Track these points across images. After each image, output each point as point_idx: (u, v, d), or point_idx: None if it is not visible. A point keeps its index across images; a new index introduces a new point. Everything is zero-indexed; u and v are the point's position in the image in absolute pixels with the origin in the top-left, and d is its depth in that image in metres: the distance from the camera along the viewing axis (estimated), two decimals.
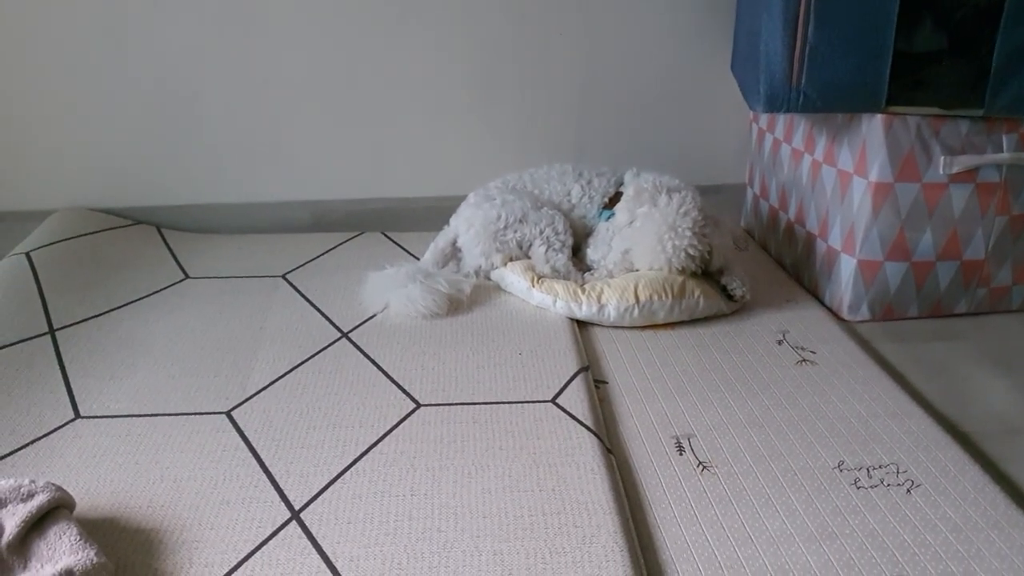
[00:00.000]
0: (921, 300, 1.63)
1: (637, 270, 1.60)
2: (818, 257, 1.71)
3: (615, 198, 1.71)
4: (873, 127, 1.52)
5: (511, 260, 1.69)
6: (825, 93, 1.51)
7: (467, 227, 1.71)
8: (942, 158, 1.52)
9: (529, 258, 1.68)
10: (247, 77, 1.93)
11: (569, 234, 1.68)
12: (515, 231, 1.67)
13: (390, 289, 1.60)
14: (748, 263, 1.86)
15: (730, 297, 1.63)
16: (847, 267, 1.61)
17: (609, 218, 1.70)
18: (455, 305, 1.62)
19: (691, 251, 1.56)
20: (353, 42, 1.92)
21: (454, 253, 1.75)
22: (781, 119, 1.87)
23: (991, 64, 1.46)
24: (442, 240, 1.75)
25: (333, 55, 1.93)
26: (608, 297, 1.55)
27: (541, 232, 1.66)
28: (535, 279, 1.62)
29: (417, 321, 1.56)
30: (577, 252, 1.73)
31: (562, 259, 1.65)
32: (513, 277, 1.65)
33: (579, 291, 1.57)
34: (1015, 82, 1.47)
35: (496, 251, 1.69)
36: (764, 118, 1.96)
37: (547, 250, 1.65)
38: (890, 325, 1.61)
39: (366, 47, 1.93)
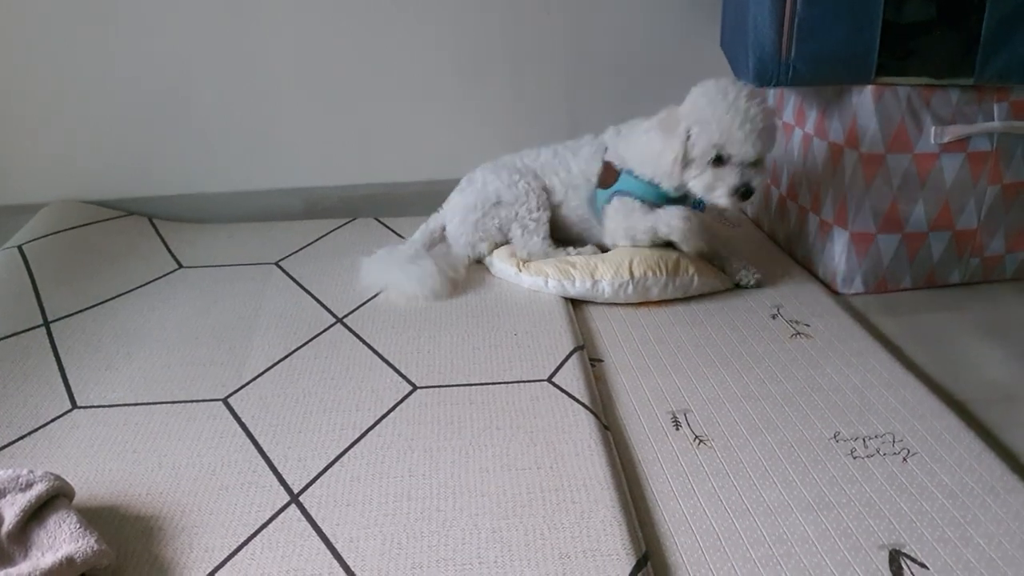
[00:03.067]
0: (914, 271, 1.63)
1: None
2: (811, 231, 1.72)
3: (608, 173, 1.63)
4: (863, 99, 1.52)
5: (496, 246, 1.70)
6: (815, 66, 1.51)
7: (451, 216, 1.72)
8: (933, 128, 1.52)
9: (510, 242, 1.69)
10: (236, 65, 1.92)
11: (544, 209, 1.66)
12: (492, 217, 1.67)
13: (388, 271, 1.60)
14: (741, 239, 1.86)
15: (737, 284, 1.64)
16: (840, 240, 1.62)
17: (612, 198, 1.61)
18: (453, 286, 1.62)
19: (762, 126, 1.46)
20: (341, 27, 1.91)
21: (443, 236, 1.75)
22: (771, 93, 1.87)
23: (980, 33, 1.46)
24: (433, 223, 1.76)
25: (321, 41, 1.92)
26: (602, 273, 1.55)
27: (516, 214, 1.65)
28: (520, 263, 1.62)
29: (412, 304, 1.56)
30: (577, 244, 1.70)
31: (536, 241, 1.64)
32: (500, 264, 1.65)
33: (571, 268, 1.57)
34: (1005, 50, 1.47)
35: (480, 240, 1.69)
36: None
37: (522, 233, 1.65)
38: (884, 297, 1.62)
39: (354, 32, 1.92)
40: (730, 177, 1.46)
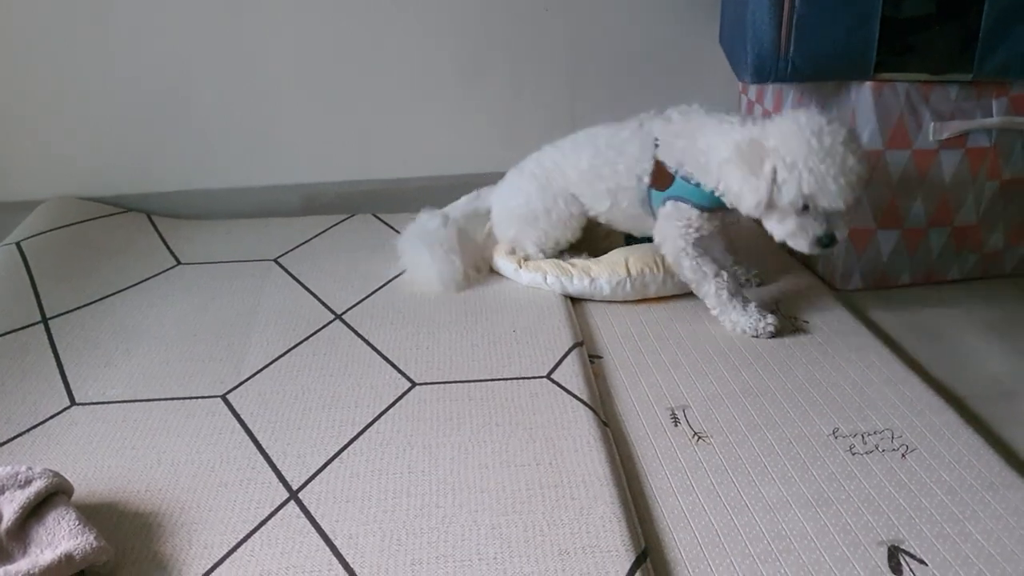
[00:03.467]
0: (913, 267, 1.63)
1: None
2: None
3: (661, 174, 1.47)
4: (862, 95, 1.52)
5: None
6: (813, 62, 1.50)
7: (496, 211, 1.69)
8: (932, 124, 1.52)
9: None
10: (235, 62, 1.92)
11: (570, 239, 1.62)
12: (531, 229, 1.61)
13: (419, 253, 1.60)
14: (740, 236, 1.86)
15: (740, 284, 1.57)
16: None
17: (667, 201, 1.47)
18: (468, 283, 1.62)
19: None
20: (340, 23, 1.91)
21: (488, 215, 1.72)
22: (770, 90, 1.87)
23: (979, 28, 1.46)
24: (482, 202, 1.73)
25: (320, 37, 1.92)
26: (599, 271, 1.55)
27: (545, 235, 1.61)
28: (521, 260, 1.62)
29: (411, 301, 1.56)
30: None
31: (543, 256, 1.64)
32: (500, 260, 1.65)
33: (569, 267, 1.57)
34: (1004, 46, 1.47)
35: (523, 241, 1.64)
36: (753, 89, 1.95)
37: (536, 251, 1.63)
38: (883, 293, 1.62)
39: (353, 28, 1.92)
40: (814, 226, 1.30)
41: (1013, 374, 1.34)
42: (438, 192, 1.79)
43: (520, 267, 1.61)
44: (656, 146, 1.47)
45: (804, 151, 1.25)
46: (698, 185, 1.42)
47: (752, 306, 1.45)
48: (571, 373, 1.31)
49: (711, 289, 1.46)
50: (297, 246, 1.84)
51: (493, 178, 1.73)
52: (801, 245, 1.33)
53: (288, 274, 1.69)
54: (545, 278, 1.57)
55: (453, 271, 1.59)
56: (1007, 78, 1.51)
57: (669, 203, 1.46)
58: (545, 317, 1.49)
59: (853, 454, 1.13)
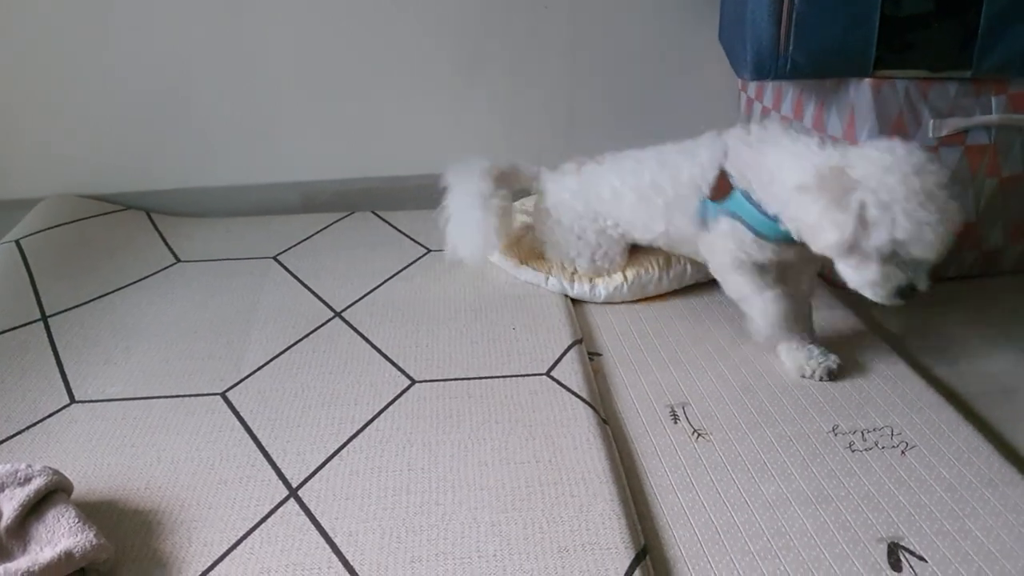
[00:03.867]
0: None
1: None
2: None
3: (722, 184, 1.33)
4: (861, 92, 1.52)
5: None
6: (813, 59, 1.50)
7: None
8: (931, 121, 1.51)
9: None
10: (234, 60, 1.92)
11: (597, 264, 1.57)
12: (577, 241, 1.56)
13: (465, 217, 1.57)
14: None
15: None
16: None
17: (720, 215, 1.34)
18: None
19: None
20: (339, 20, 1.90)
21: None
22: (770, 87, 1.87)
23: (979, 25, 1.45)
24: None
25: (319, 34, 1.91)
26: (596, 280, 1.55)
27: (578, 254, 1.57)
28: (523, 257, 1.61)
29: (410, 298, 1.56)
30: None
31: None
32: (499, 257, 1.65)
33: (572, 273, 1.57)
34: (1003, 43, 1.47)
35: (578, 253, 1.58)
36: (752, 86, 1.96)
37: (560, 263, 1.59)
38: None
39: (352, 25, 1.91)
40: (899, 276, 1.14)
41: (1012, 371, 1.34)
42: (436, 189, 1.78)
43: (522, 264, 1.60)
44: (726, 153, 1.34)
45: (903, 191, 1.07)
46: (758, 206, 1.27)
47: (812, 344, 1.32)
48: (570, 370, 1.31)
49: (762, 307, 1.31)
50: (296, 244, 1.83)
51: None
52: (879, 295, 1.16)
53: (288, 272, 1.69)
54: (547, 279, 1.57)
55: (490, 248, 1.57)
56: (1006, 75, 1.51)
57: (724, 220, 1.32)
58: (544, 314, 1.49)
59: (853, 451, 1.13)
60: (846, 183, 1.11)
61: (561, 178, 1.60)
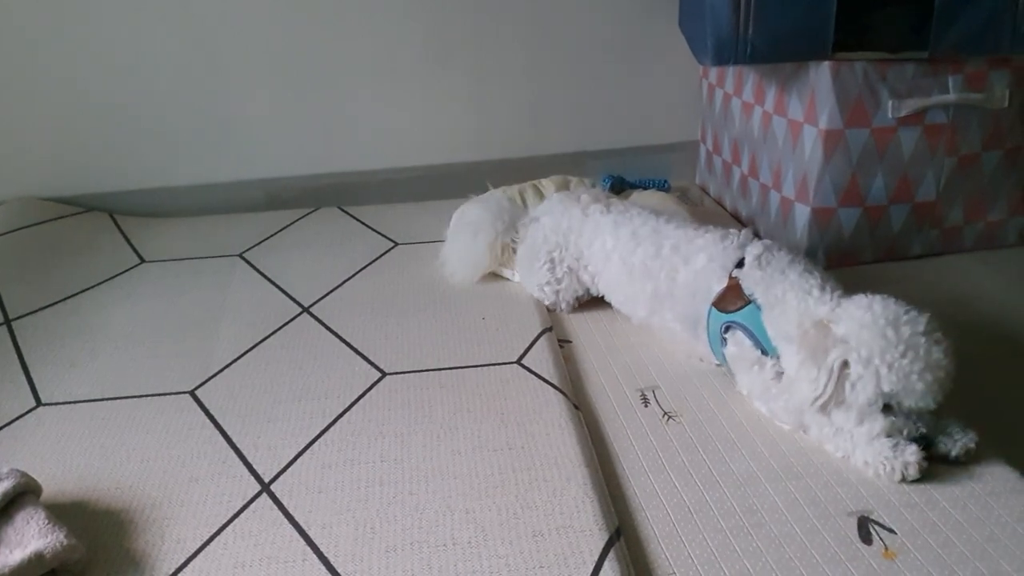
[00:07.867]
0: (875, 244, 1.65)
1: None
2: (773, 208, 1.73)
3: (732, 294, 1.24)
4: (821, 74, 1.54)
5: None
6: (772, 42, 1.52)
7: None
8: (890, 102, 1.54)
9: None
10: (193, 56, 1.90)
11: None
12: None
13: (480, 230, 1.56)
14: (704, 218, 1.87)
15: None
16: (801, 216, 1.63)
17: (726, 327, 1.24)
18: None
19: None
20: (299, 14, 1.90)
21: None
22: (731, 72, 1.88)
23: (934, 6, 1.47)
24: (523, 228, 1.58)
25: (279, 28, 1.90)
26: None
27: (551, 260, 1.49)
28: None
29: (379, 292, 1.56)
30: None
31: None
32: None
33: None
34: (958, 23, 1.49)
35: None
36: (714, 72, 1.97)
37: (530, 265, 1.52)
38: (846, 271, 1.63)
39: (312, 18, 1.90)
40: (908, 426, 1.07)
41: (975, 348, 1.36)
42: (403, 183, 1.78)
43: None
44: (740, 264, 1.25)
45: (880, 344, 1.04)
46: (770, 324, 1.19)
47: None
48: (541, 358, 1.32)
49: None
50: (262, 240, 1.82)
51: (459, 169, 1.72)
52: (898, 455, 1.05)
53: (254, 269, 1.68)
54: (514, 274, 1.58)
55: (483, 268, 1.58)
56: (962, 54, 1.53)
57: (731, 334, 1.24)
58: (513, 303, 1.49)
59: None
60: (826, 339, 1.08)
61: (566, 209, 1.52)
